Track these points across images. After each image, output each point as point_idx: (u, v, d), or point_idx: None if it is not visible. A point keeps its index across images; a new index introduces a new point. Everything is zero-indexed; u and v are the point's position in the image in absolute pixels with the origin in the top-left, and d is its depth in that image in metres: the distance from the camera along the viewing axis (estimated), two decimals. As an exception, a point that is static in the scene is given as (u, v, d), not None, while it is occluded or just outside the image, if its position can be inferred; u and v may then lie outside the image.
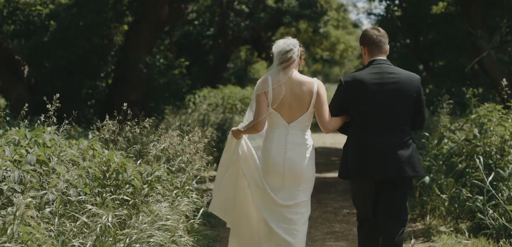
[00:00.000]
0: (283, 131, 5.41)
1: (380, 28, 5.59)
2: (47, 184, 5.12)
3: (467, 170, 8.00)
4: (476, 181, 7.42)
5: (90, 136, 6.73)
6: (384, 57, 5.49)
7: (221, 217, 5.77)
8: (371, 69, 5.43)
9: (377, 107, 5.36)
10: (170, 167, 7.30)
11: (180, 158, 7.53)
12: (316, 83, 5.41)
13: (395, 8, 17.43)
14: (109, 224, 5.09)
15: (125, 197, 5.93)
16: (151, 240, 5.53)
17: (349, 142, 5.52)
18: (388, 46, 5.59)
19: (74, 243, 4.85)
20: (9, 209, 4.48)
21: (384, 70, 5.41)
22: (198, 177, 7.90)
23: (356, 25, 36.00)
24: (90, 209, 5.24)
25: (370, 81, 5.37)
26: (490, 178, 7.22)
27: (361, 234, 5.62)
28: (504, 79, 7.83)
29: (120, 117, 7.06)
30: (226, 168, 5.62)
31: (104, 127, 6.81)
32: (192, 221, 7.08)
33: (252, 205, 5.59)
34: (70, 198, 5.17)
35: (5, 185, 4.76)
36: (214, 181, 5.83)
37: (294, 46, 5.39)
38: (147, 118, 7.41)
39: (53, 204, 4.98)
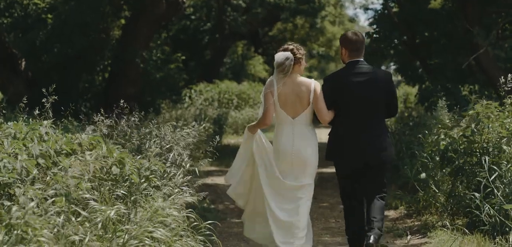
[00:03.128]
0: (290, 126, 6.47)
1: (359, 33, 6.60)
2: (50, 178, 5.11)
3: (464, 166, 8.01)
4: (479, 179, 7.38)
5: (86, 129, 6.71)
6: (361, 59, 6.45)
7: (236, 200, 6.80)
8: (350, 69, 6.42)
9: (355, 101, 6.33)
10: (164, 161, 7.28)
11: (172, 153, 7.51)
12: (313, 83, 6.48)
13: (392, 4, 17.39)
14: (112, 217, 5.15)
15: (123, 192, 5.92)
16: (151, 235, 5.52)
17: (332, 131, 6.56)
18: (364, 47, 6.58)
19: (76, 238, 4.84)
20: (14, 209, 4.48)
21: (360, 70, 6.39)
22: (198, 177, 7.89)
23: (352, 20, 35.98)
24: (93, 205, 5.25)
25: (348, 79, 6.37)
26: (492, 178, 7.18)
27: (346, 203, 6.60)
28: (502, 77, 7.80)
29: (118, 110, 7.04)
30: (243, 160, 6.65)
31: (99, 121, 6.79)
32: (190, 216, 7.06)
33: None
34: (69, 192, 5.15)
35: (3, 176, 4.75)
36: (230, 169, 6.75)
37: (287, 59, 6.41)
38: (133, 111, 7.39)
39: (55, 199, 4.97)
